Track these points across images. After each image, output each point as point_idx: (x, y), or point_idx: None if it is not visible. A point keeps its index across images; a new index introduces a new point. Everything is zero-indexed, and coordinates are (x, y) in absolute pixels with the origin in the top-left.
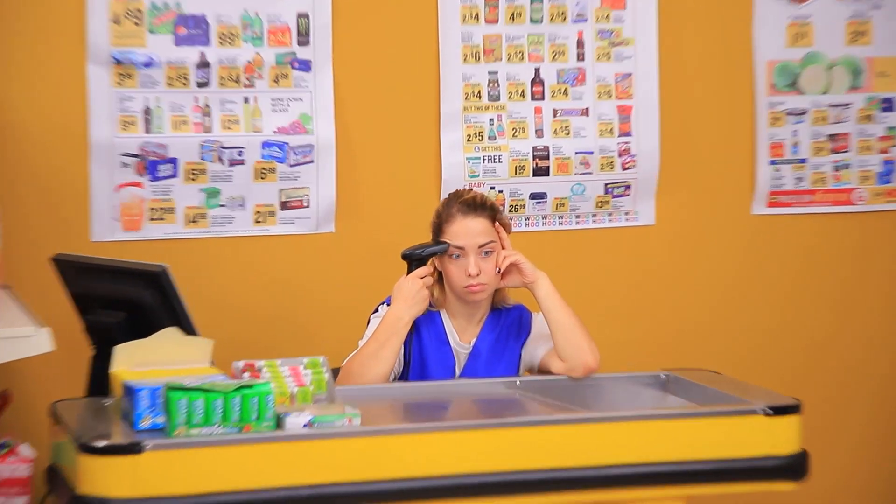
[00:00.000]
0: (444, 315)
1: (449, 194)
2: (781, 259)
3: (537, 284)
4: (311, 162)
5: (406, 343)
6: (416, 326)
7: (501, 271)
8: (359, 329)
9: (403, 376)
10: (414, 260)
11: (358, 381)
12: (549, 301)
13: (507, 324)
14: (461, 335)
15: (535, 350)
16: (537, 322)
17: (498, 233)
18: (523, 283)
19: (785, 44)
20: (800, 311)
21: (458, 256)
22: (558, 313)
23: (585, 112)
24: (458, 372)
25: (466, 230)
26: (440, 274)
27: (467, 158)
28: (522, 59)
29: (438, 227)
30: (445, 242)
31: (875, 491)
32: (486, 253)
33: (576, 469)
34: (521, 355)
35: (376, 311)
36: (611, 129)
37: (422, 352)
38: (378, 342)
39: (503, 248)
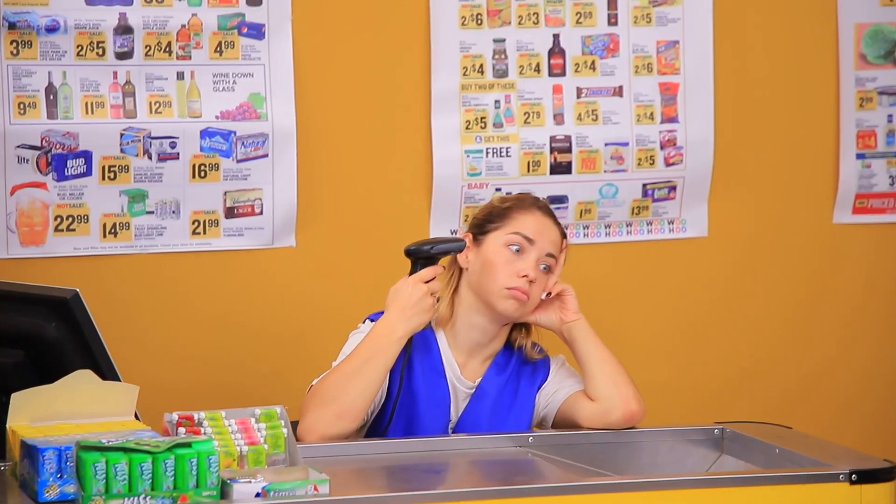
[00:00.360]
0: (441, 339)
1: (521, 192)
2: (871, 281)
3: (578, 325)
4: (265, 156)
5: (394, 368)
6: (408, 348)
7: (552, 294)
8: (325, 369)
9: (384, 411)
10: (420, 258)
11: (331, 407)
12: (591, 342)
13: (520, 363)
14: (462, 370)
15: (554, 393)
16: (558, 363)
17: (560, 254)
18: (559, 323)
19: (879, 2)
20: (895, 348)
21: (517, 249)
22: (599, 351)
23: (618, 91)
24: (454, 415)
25: (543, 228)
26: (457, 279)
27: (466, 152)
28: (537, 22)
29: (505, 212)
30: (462, 240)
31: None
32: (545, 268)
33: None
34: (535, 403)
35: (358, 328)
36: (651, 114)
37: (411, 381)
38: (361, 358)
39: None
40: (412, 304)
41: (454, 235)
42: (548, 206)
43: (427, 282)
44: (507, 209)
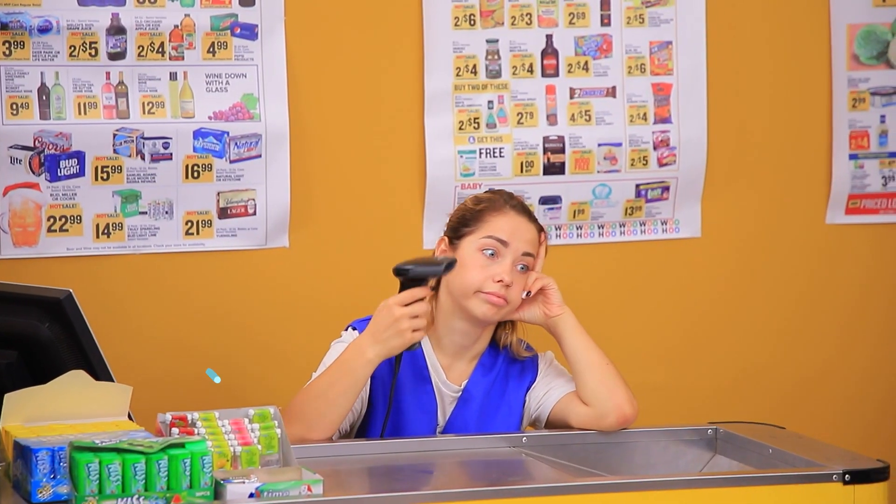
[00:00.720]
0: (425, 343)
1: (493, 189)
2: (864, 281)
3: (563, 319)
4: (258, 157)
5: (384, 382)
6: (398, 365)
7: (532, 294)
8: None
9: (368, 420)
10: (409, 279)
11: (300, 427)
12: (577, 339)
13: (508, 363)
14: (448, 373)
15: (546, 394)
16: (546, 361)
17: (538, 249)
18: (544, 318)
19: (871, 3)
20: (891, 349)
21: (491, 254)
22: (588, 351)
23: (611, 92)
24: (441, 420)
25: (517, 228)
26: (437, 281)
27: (459, 152)
28: (530, 23)
29: (478, 215)
30: (453, 258)
31: None
32: (522, 268)
33: None
34: (525, 403)
35: (340, 337)
36: (644, 115)
37: (396, 388)
38: (328, 380)
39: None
40: (384, 327)
41: (445, 257)
42: (522, 204)
43: (407, 305)
44: (479, 212)
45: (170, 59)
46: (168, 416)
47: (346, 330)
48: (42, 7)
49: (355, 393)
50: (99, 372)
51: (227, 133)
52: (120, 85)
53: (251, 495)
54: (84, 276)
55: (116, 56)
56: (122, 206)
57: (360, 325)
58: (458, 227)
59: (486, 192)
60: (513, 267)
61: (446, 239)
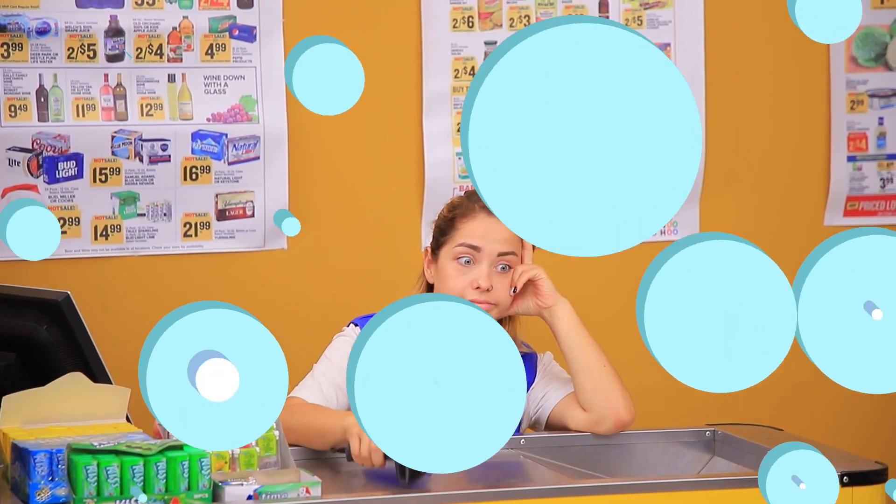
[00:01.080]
0: None
1: (466, 191)
2: None
3: (556, 311)
4: (257, 158)
5: None
6: None
7: (517, 290)
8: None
9: None
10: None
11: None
12: (573, 335)
13: None
14: None
15: (543, 398)
16: (545, 362)
17: (520, 244)
18: (538, 309)
19: (869, 4)
20: None
21: (467, 262)
22: (584, 350)
23: None
24: None
25: (488, 230)
26: (429, 287)
27: (458, 154)
28: (529, 24)
29: (450, 223)
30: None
31: None
32: (503, 267)
33: None
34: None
35: (342, 332)
36: None
37: None
38: (309, 414)
39: (521, 263)
40: (359, 433)
41: (403, 481)
42: None
43: (361, 452)
44: (451, 219)
45: (168, 60)
46: None
47: (349, 326)
48: (40, 9)
49: (322, 443)
50: (97, 374)
51: (226, 135)
52: (118, 87)
53: (249, 497)
54: (82, 277)
55: (115, 58)
56: (121, 207)
57: (361, 321)
58: (437, 237)
59: (459, 196)
60: (491, 270)
61: (429, 251)
